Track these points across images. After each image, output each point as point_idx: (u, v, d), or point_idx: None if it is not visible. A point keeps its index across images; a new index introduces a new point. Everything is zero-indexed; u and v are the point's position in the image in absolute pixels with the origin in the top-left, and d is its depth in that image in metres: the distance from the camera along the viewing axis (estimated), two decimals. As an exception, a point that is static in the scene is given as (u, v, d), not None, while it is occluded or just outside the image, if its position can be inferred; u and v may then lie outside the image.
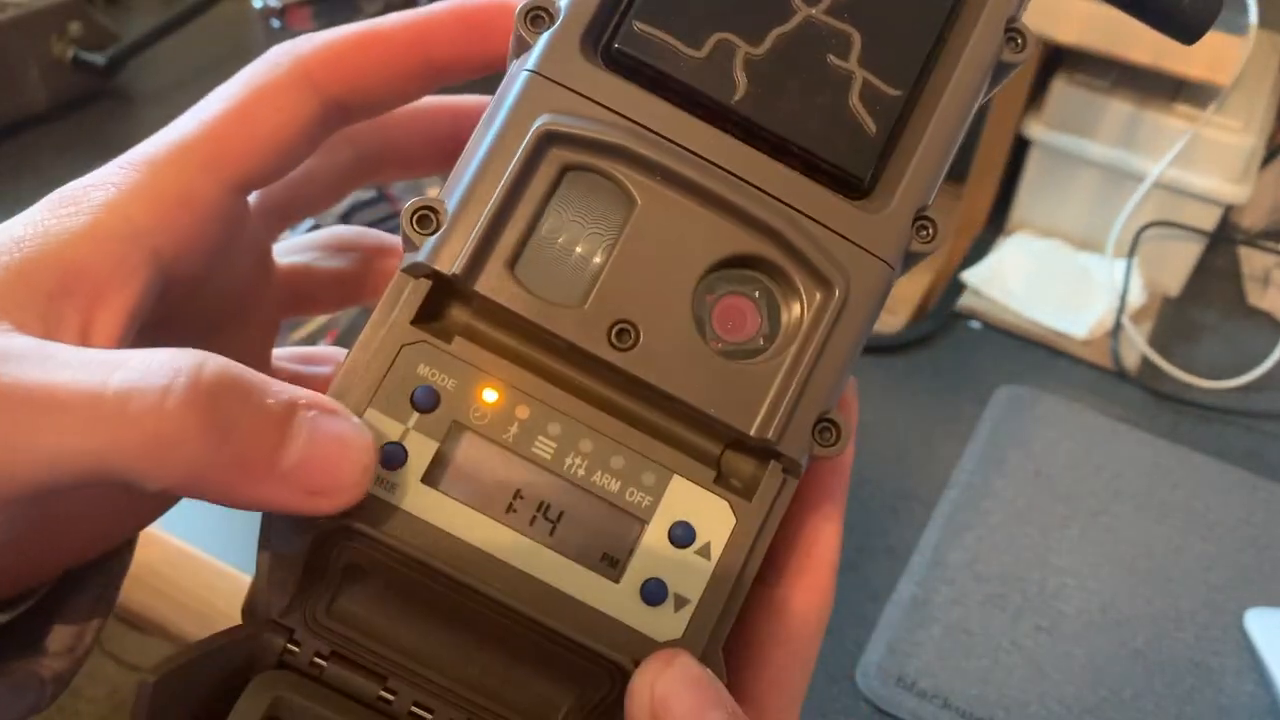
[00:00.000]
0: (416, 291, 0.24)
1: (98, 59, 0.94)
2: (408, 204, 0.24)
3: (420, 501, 0.23)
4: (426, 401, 0.23)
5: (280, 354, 0.33)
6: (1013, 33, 0.26)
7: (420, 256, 0.23)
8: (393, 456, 0.23)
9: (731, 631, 0.24)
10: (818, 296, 0.24)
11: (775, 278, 0.24)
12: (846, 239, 0.24)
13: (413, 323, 0.23)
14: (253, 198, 0.28)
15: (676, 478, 0.24)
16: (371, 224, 0.81)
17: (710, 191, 0.24)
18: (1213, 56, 0.82)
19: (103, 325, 0.22)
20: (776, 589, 0.26)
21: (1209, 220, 0.91)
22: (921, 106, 0.25)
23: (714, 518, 0.24)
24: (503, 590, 0.23)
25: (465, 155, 0.25)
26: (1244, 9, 0.84)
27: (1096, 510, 0.75)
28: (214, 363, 0.20)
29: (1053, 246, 0.95)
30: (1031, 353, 0.88)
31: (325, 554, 0.23)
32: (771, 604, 0.26)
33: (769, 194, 0.24)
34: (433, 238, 0.23)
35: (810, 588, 0.26)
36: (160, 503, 0.28)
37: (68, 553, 0.25)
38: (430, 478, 0.23)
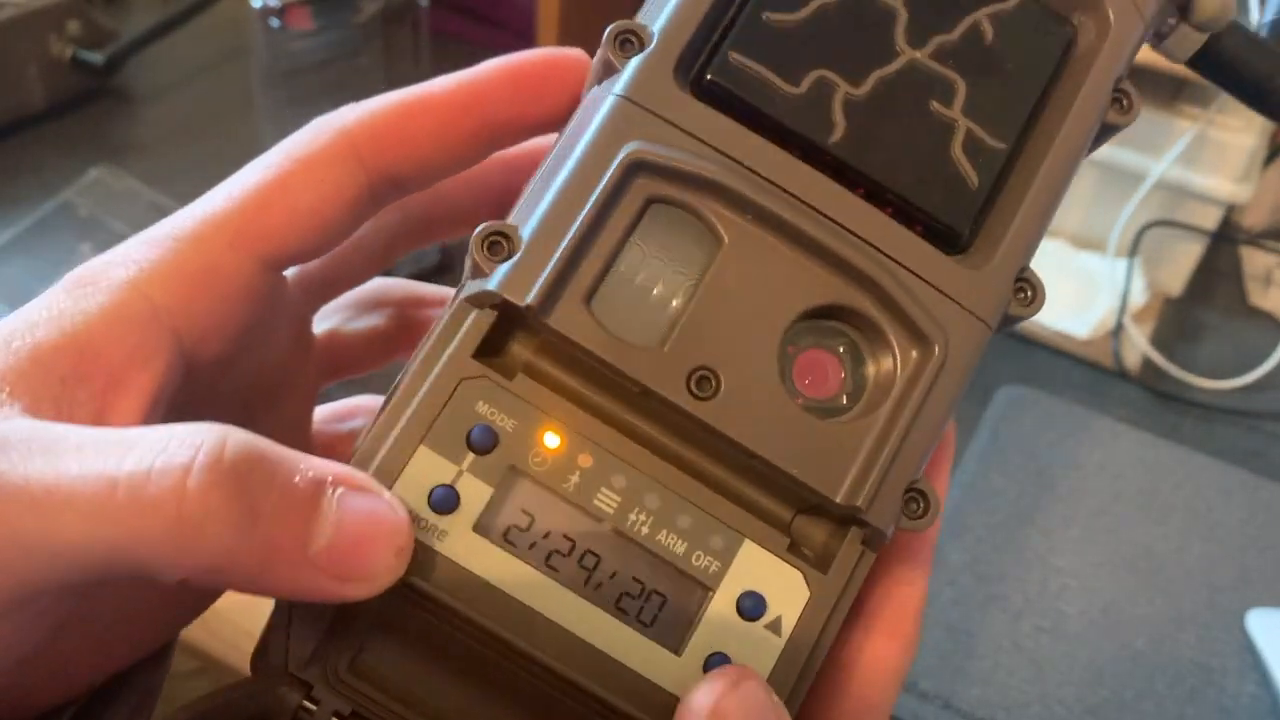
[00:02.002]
0: (480, 322, 0.22)
1: (96, 58, 0.94)
2: (478, 228, 0.22)
3: (470, 552, 0.21)
4: (484, 442, 0.21)
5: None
6: (1120, 93, 0.25)
7: (491, 285, 0.21)
8: (444, 501, 0.21)
9: None
10: (914, 355, 0.22)
11: (865, 332, 0.23)
12: (945, 295, 0.23)
13: (473, 356, 0.22)
14: (290, 271, 0.26)
15: (747, 542, 0.22)
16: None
17: (804, 234, 0.22)
18: (1214, 55, 0.82)
19: (120, 409, 0.21)
20: (852, 631, 0.24)
21: (1211, 220, 0.91)
22: (1024, 162, 0.24)
23: (786, 589, 0.22)
24: (553, 655, 0.21)
25: (540, 178, 0.23)
26: (1245, 9, 0.84)
27: (1098, 511, 0.75)
28: (237, 437, 0.18)
29: (1054, 246, 0.95)
30: (1033, 353, 0.88)
31: (358, 603, 0.21)
32: (848, 647, 0.24)
33: (865, 241, 0.23)
34: (505, 265, 0.22)
35: (891, 633, 0.24)
36: (195, 600, 0.26)
37: (97, 663, 0.24)
38: (482, 526, 0.21)
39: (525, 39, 1.03)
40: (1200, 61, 0.27)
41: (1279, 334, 0.91)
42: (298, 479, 0.19)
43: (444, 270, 0.83)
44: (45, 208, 0.79)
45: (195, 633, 0.61)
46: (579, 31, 0.99)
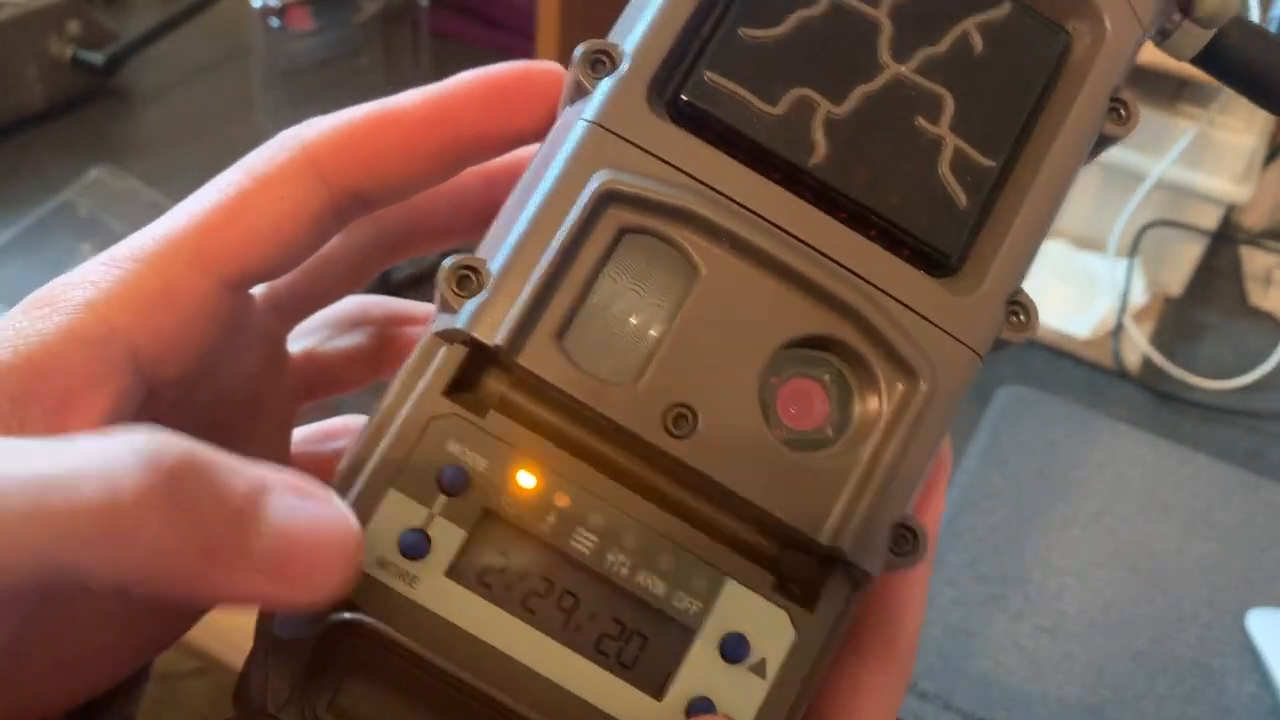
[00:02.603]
0: (450, 359, 0.21)
1: (96, 58, 0.94)
2: (445, 262, 0.21)
3: (443, 598, 0.21)
4: (455, 483, 0.21)
5: (298, 433, 0.30)
6: (1117, 103, 0.24)
7: (459, 323, 0.21)
8: (414, 546, 0.21)
9: None
10: (899, 388, 0.22)
11: (850, 362, 0.22)
12: (932, 323, 0.22)
13: (444, 393, 0.21)
14: (260, 289, 0.26)
15: (730, 582, 0.21)
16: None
17: (783, 263, 0.21)
18: (1214, 55, 0.82)
19: (74, 428, 0.21)
20: (843, 664, 0.24)
21: (1211, 220, 0.91)
22: (1015, 179, 0.23)
23: (771, 630, 0.21)
24: (531, 705, 0.20)
25: (510, 208, 0.22)
26: (1245, 9, 0.84)
27: (1098, 510, 0.75)
28: (173, 441, 0.18)
29: (1054, 246, 0.95)
30: (1033, 353, 0.88)
31: (334, 644, 0.21)
32: (837, 680, 0.24)
33: (848, 269, 0.22)
34: (473, 301, 0.21)
35: (884, 662, 0.23)
36: (166, 625, 0.25)
37: (66, 690, 0.23)
38: (455, 572, 0.21)
39: (525, 39, 1.03)
40: (1206, 59, 0.26)
41: (1279, 334, 0.91)
42: (238, 482, 0.18)
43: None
44: (45, 208, 0.79)
45: (195, 632, 0.61)
46: (579, 32, 0.99)
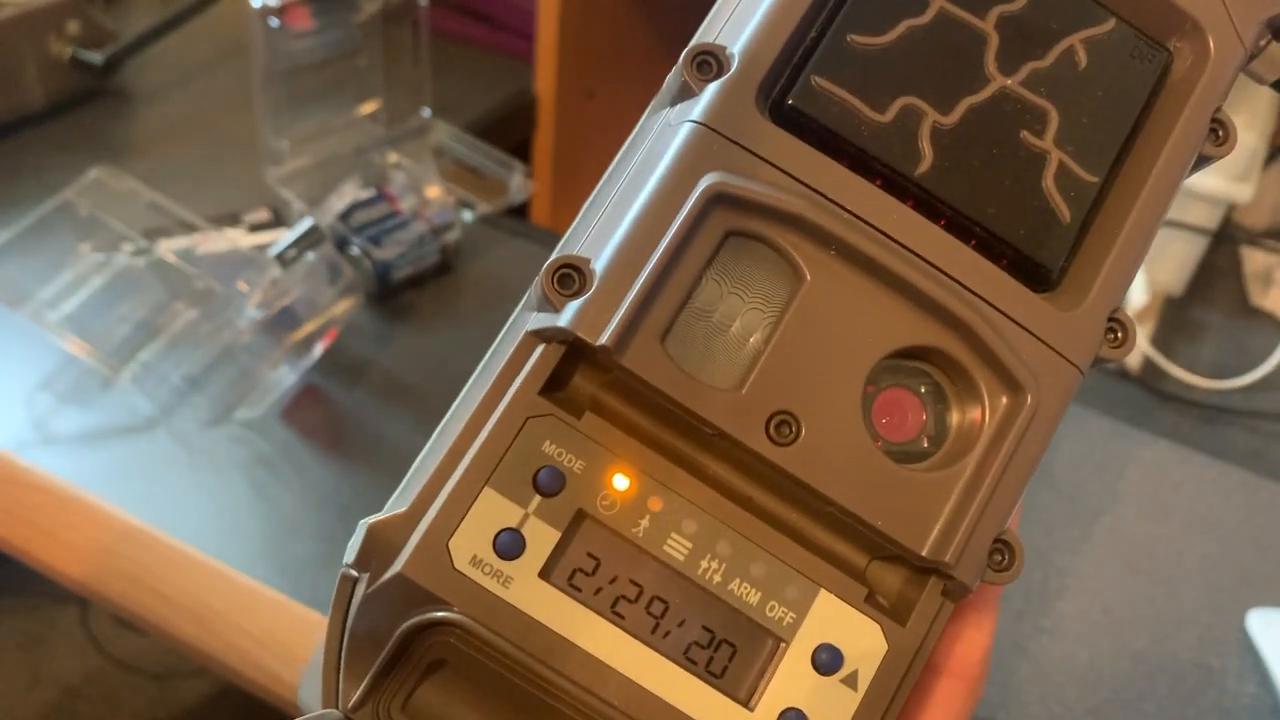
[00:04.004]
0: (547, 359, 0.21)
1: (95, 58, 0.94)
2: (549, 260, 0.21)
3: (535, 598, 0.20)
4: (551, 484, 0.21)
5: None
6: (1216, 124, 0.24)
7: (563, 321, 0.21)
8: (509, 546, 0.20)
9: None
10: (1003, 401, 0.21)
11: (950, 373, 0.22)
12: (1036, 337, 0.22)
13: (540, 393, 0.21)
14: None
15: (823, 593, 0.21)
16: (370, 223, 0.81)
17: (891, 271, 0.21)
18: (1215, 55, 0.82)
19: None
20: (920, 677, 0.23)
21: (1211, 219, 0.91)
22: (1116, 195, 0.23)
23: (863, 641, 0.21)
24: (618, 707, 0.20)
25: (613, 207, 0.22)
26: None
27: (1098, 511, 0.75)
28: None
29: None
30: (1033, 352, 0.88)
31: (413, 643, 0.21)
32: (912, 693, 0.23)
33: (954, 279, 0.22)
34: (577, 301, 0.21)
35: (959, 676, 0.23)
36: None
37: None
38: (547, 572, 0.21)
39: (525, 39, 1.03)
40: None
41: (1279, 334, 0.91)
42: None
43: (444, 270, 0.83)
44: (45, 208, 0.79)
45: (195, 632, 0.61)
46: (579, 32, 0.98)
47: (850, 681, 0.21)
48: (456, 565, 0.20)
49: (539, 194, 1.07)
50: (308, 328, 0.75)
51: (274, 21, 1.10)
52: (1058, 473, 0.77)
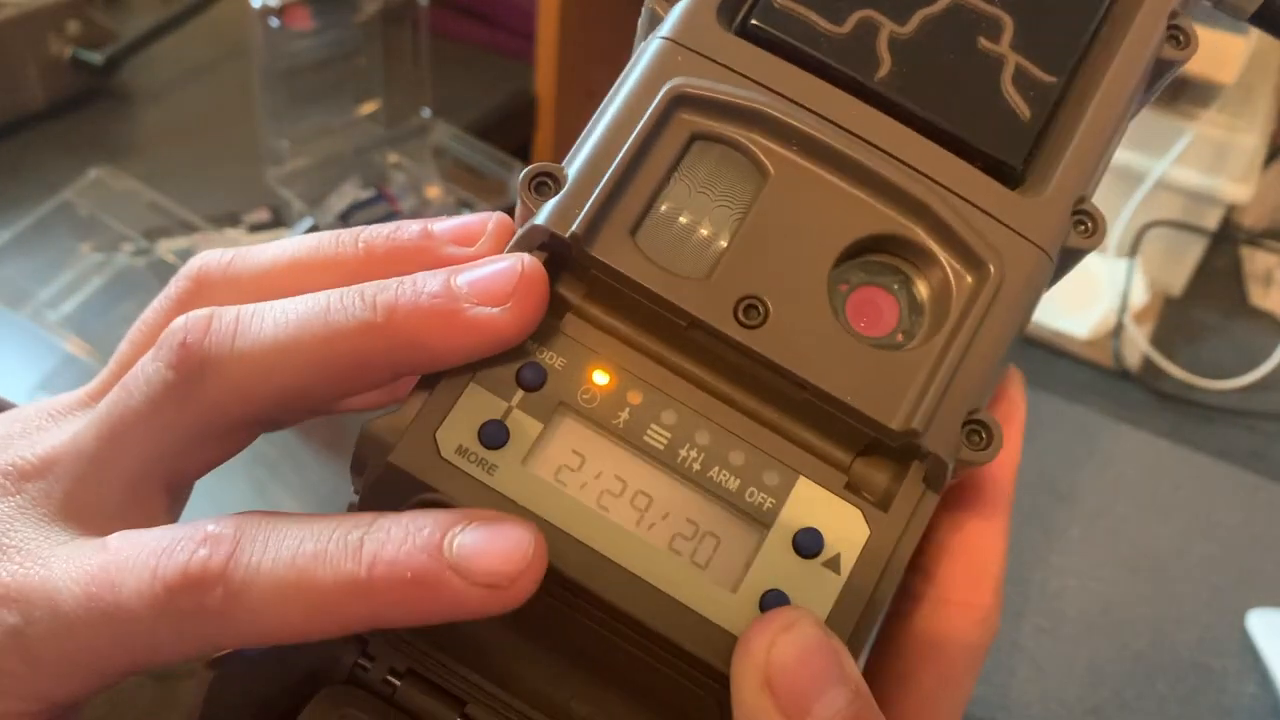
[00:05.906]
0: None
1: (96, 58, 0.94)
2: (525, 170, 0.22)
3: (520, 487, 0.21)
4: (533, 379, 0.22)
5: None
6: (1175, 29, 0.24)
7: (538, 220, 0.22)
8: (494, 435, 0.21)
9: (873, 652, 0.22)
10: (968, 280, 0.22)
11: (919, 264, 0.22)
12: (1000, 221, 0.22)
13: None
14: None
15: (803, 479, 0.22)
16: (370, 223, 0.81)
17: (851, 161, 0.22)
18: (1215, 55, 0.82)
19: None
20: (924, 603, 0.23)
21: (1211, 219, 0.91)
22: (1077, 95, 0.24)
23: (845, 527, 0.21)
24: (609, 591, 0.21)
25: (590, 124, 0.23)
26: (1246, 8, 0.84)
27: (1098, 511, 0.75)
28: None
29: (1054, 246, 0.95)
30: (1033, 353, 0.88)
31: None
32: (920, 618, 0.23)
33: (916, 169, 0.22)
34: (551, 201, 0.22)
35: (966, 603, 0.23)
36: None
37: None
38: (532, 461, 0.21)
39: (525, 39, 1.03)
40: (1266, 15, 0.26)
41: (1279, 334, 0.91)
42: None
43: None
44: (45, 208, 0.79)
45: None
46: (579, 32, 0.98)
47: (832, 565, 0.21)
48: (443, 454, 0.21)
49: (539, 194, 1.07)
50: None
51: (274, 22, 1.10)
52: (1058, 473, 0.77)
